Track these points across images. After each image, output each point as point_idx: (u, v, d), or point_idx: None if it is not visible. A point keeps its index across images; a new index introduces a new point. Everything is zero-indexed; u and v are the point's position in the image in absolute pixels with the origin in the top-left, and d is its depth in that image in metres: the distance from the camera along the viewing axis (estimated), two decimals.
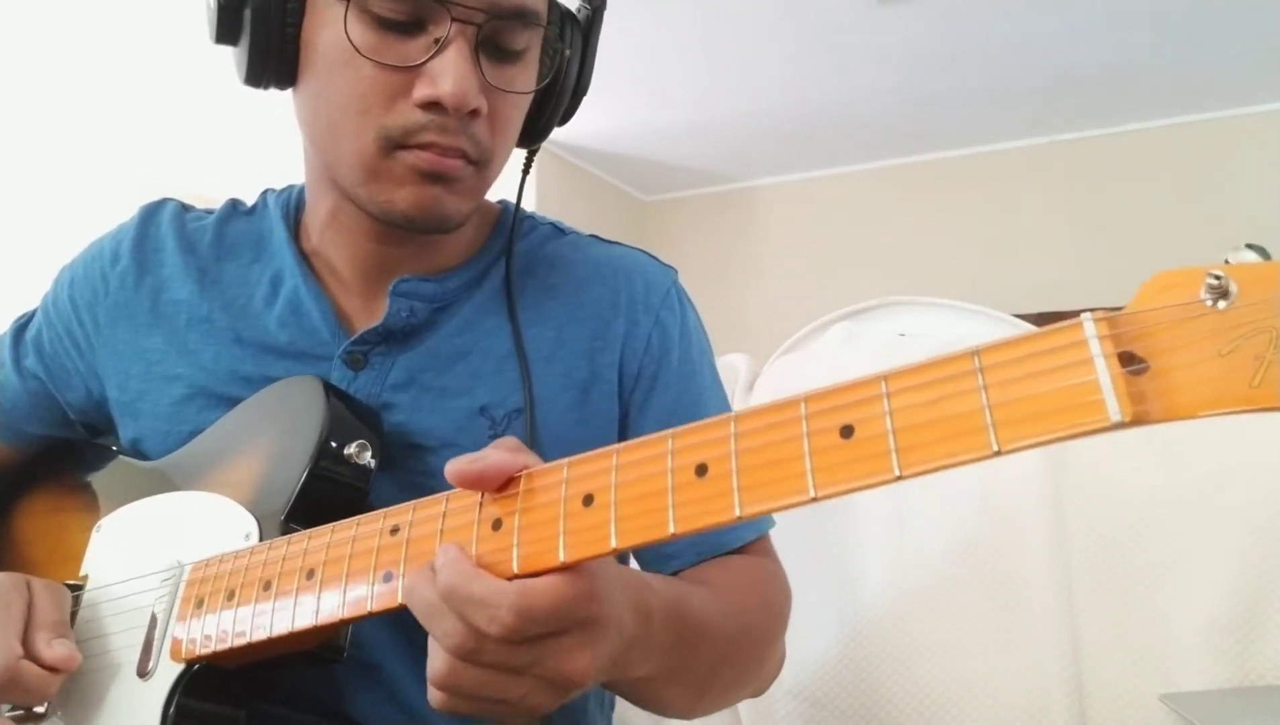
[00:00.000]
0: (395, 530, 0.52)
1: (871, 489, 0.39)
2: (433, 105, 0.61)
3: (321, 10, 0.63)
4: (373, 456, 0.64)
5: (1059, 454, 0.93)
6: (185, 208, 0.80)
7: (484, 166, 0.66)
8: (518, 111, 0.68)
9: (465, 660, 0.45)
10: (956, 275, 3.87)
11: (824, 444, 0.40)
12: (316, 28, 0.64)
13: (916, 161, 4.05)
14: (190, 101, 3.36)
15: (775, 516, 0.74)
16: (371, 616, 0.51)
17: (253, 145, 3.60)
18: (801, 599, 1.04)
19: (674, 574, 0.68)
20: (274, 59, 0.65)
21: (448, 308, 0.73)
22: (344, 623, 0.53)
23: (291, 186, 0.80)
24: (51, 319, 0.79)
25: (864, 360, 1.15)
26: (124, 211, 0.81)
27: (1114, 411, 0.34)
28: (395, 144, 0.63)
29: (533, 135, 0.73)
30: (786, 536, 0.78)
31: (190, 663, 0.58)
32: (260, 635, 0.55)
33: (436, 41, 0.61)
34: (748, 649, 0.66)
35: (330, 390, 0.66)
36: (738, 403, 1.16)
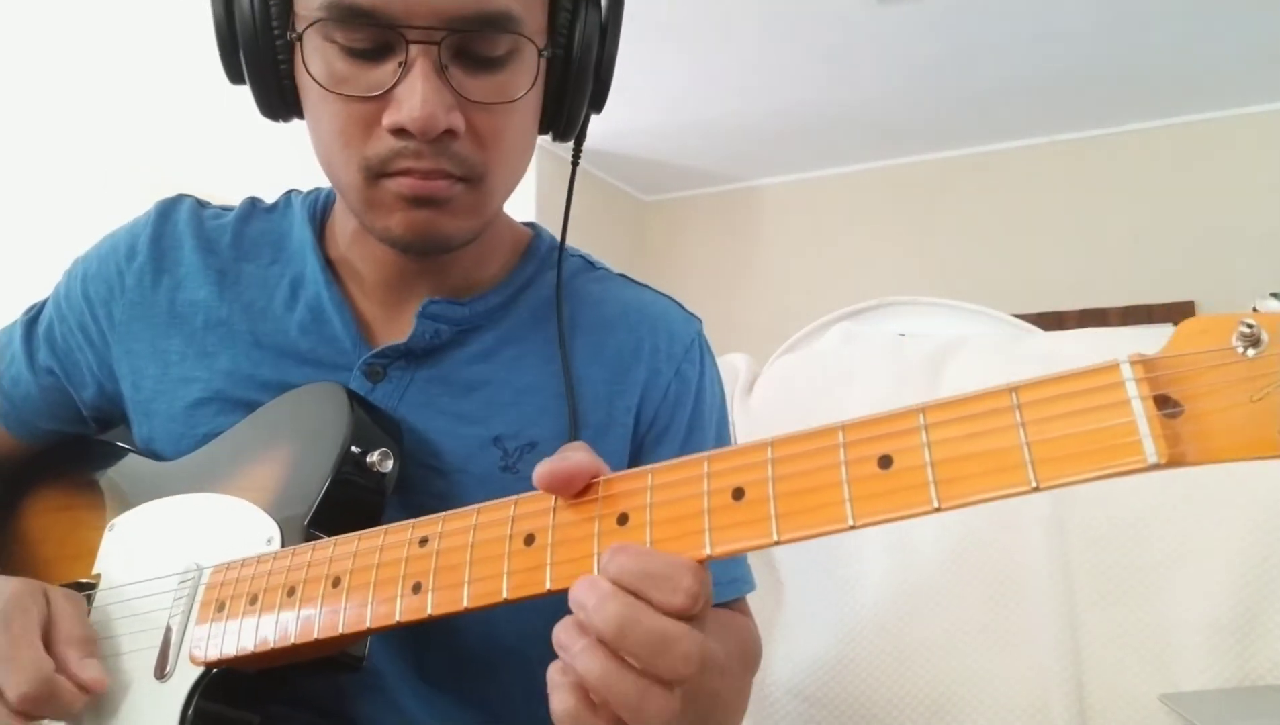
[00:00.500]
0: (424, 541, 0.52)
1: (910, 519, 0.39)
2: (401, 131, 0.59)
3: (305, 47, 0.62)
4: (394, 465, 0.64)
5: None
6: (202, 204, 0.79)
7: (477, 183, 0.64)
8: (511, 119, 0.64)
9: (615, 645, 0.42)
10: (956, 275, 3.86)
11: (862, 473, 0.41)
12: (302, 64, 0.63)
13: (916, 161, 4.05)
14: (191, 101, 3.36)
15: None
16: (399, 627, 0.51)
17: (253, 145, 3.60)
18: (802, 598, 1.04)
19: None
20: (275, 96, 0.66)
21: (473, 331, 0.72)
22: (370, 632, 0.52)
23: (319, 190, 0.79)
24: (64, 312, 0.78)
25: (864, 360, 1.15)
26: (122, 211, 0.80)
27: (1151, 453, 0.35)
28: (377, 173, 0.62)
29: (564, 129, 0.70)
30: None
31: (209, 666, 0.58)
32: (284, 641, 0.54)
33: (401, 65, 0.59)
34: (734, 703, 0.66)
35: (354, 397, 0.66)
36: (737, 403, 1.16)
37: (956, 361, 1.08)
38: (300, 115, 0.67)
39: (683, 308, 0.80)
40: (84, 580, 0.69)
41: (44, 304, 0.81)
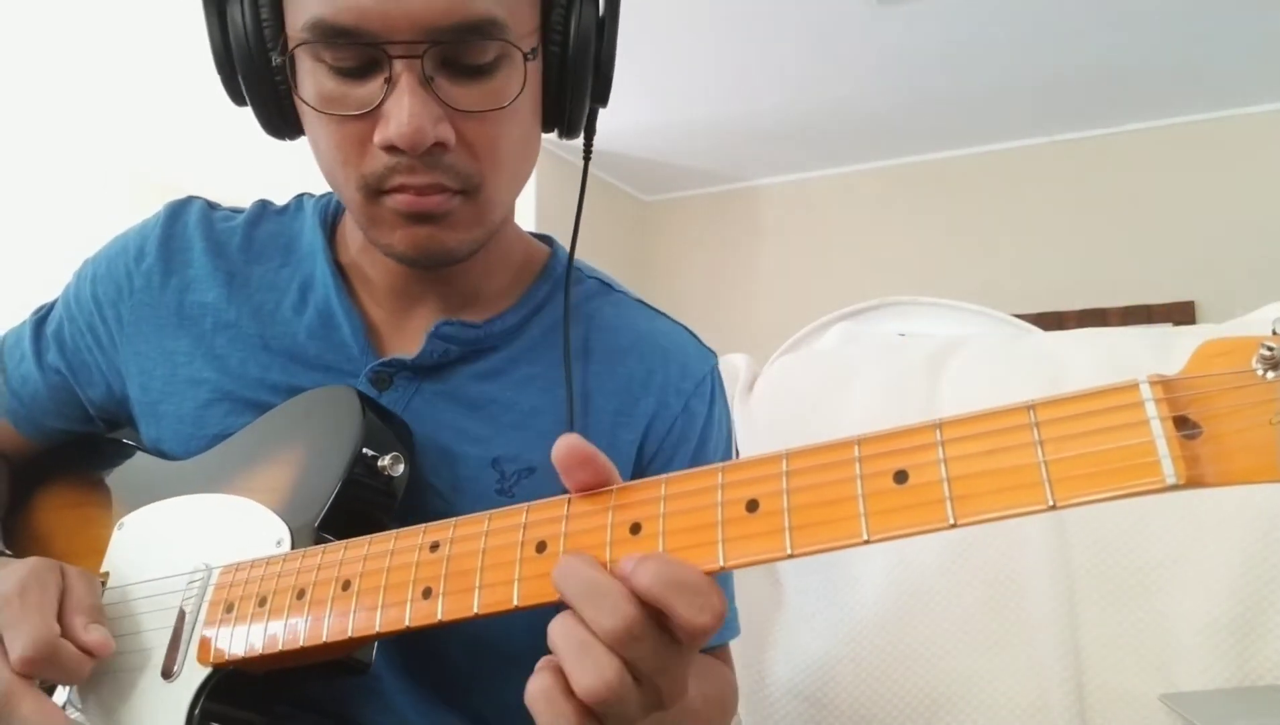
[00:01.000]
0: (435, 547, 0.51)
1: (925, 535, 0.39)
2: (392, 147, 0.59)
3: (298, 68, 0.62)
4: (405, 469, 0.64)
5: None
6: (212, 206, 0.79)
7: (474, 194, 0.63)
8: (505, 125, 0.63)
9: (624, 652, 0.43)
10: (956, 275, 3.86)
11: (877, 488, 0.41)
12: (295, 86, 0.63)
13: (916, 161, 4.05)
14: (193, 103, 3.36)
15: None
16: (408, 632, 0.51)
17: (257, 149, 3.60)
18: (801, 598, 1.04)
19: None
20: (277, 117, 0.66)
21: (482, 351, 0.72)
22: (380, 636, 0.52)
23: (331, 193, 0.79)
24: (73, 313, 0.78)
25: (864, 360, 1.15)
26: (121, 211, 0.80)
27: (1170, 474, 0.35)
28: (375, 190, 0.62)
29: (568, 125, 0.69)
30: None
31: (217, 667, 0.58)
32: (292, 644, 0.54)
33: (387, 81, 0.58)
34: None
35: (366, 401, 0.65)
36: (737, 403, 1.16)
37: (956, 361, 1.08)
38: (300, 135, 0.67)
39: (699, 341, 0.79)
40: None
41: (53, 304, 0.81)
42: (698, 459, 0.74)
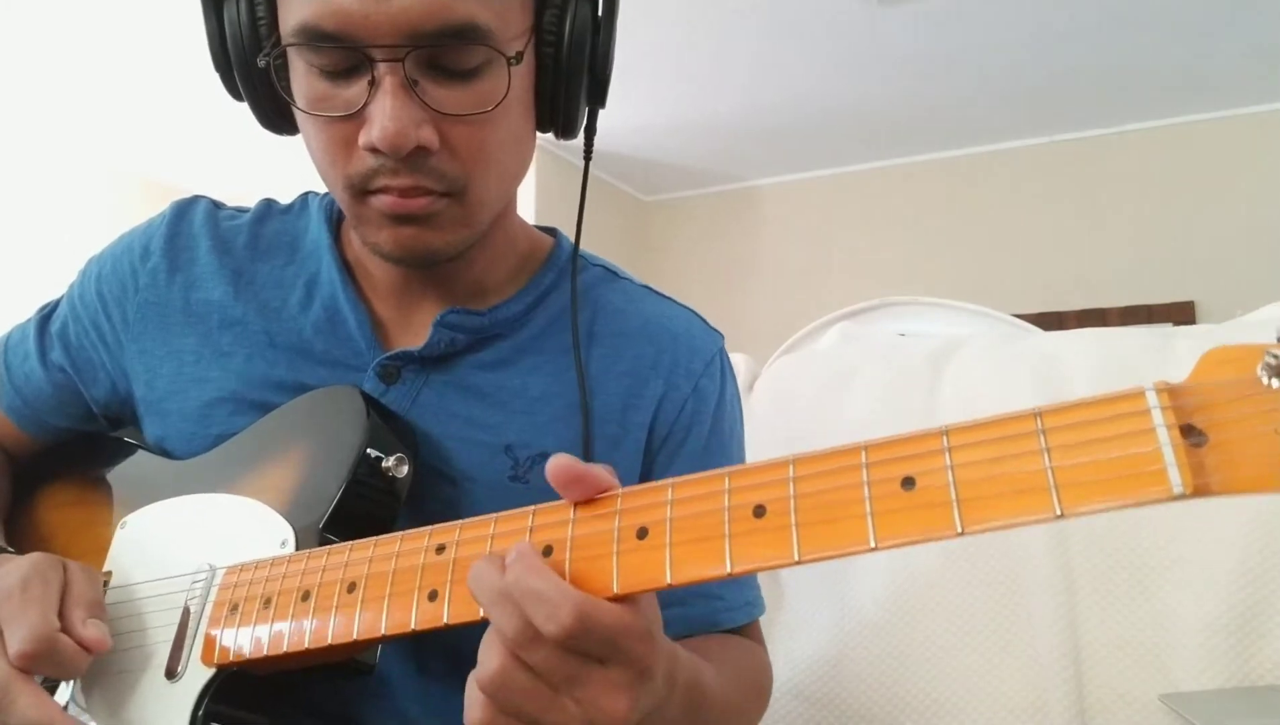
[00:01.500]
0: (441, 549, 0.51)
1: (932, 542, 0.39)
2: (375, 150, 0.59)
3: (290, 68, 0.63)
4: (409, 470, 0.64)
5: None
6: (217, 205, 0.80)
7: (460, 196, 0.63)
8: (491, 129, 0.62)
9: (516, 657, 0.45)
10: (956, 275, 3.86)
11: (885, 493, 0.40)
12: (286, 85, 0.63)
13: (916, 161, 4.05)
14: (195, 101, 3.36)
15: None
16: (414, 634, 0.51)
17: (256, 144, 3.60)
18: (802, 599, 1.04)
19: None
20: (273, 113, 0.67)
21: (489, 338, 0.72)
22: (385, 639, 0.52)
23: None
24: (78, 312, 0.78)
25: (864, 360, 1.15)
26: (120, 210, 0.80)
27: (1177, 484, 0.35)
28: (360, 191, 0.62)
29: (564, 127, 0.68)
30: None
31: (221, 668, 0.58)
32: (297, 646, 0.54)
33: (372, 84, 0.58)
34: None
35: (370, 401, 0.65)
36: None
37: (956, 361, 1.08)
38: (295, 132, 0.68)
39: (706, 323, 0.79)
40: None
41: (58, 302, 0.81)
42: (714, 439, 0.74)
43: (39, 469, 0.82)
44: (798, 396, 1.15)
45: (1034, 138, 3.82)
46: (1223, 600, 0.84)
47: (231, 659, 0.57)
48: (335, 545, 0.57)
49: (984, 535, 0.97)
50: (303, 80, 0.61)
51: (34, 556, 0.61)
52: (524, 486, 0.68)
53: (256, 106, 0.67)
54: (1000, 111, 3.61)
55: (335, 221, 0.77)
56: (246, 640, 0.57)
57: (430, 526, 0.53)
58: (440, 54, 0.58)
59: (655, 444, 0.72)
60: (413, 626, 0.50)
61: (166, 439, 0.73)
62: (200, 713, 0.57)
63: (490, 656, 0.45)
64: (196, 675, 0.59)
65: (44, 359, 0.79)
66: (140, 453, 0.76)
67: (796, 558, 0.41)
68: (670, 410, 0.72)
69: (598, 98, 0.69)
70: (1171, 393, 0.36)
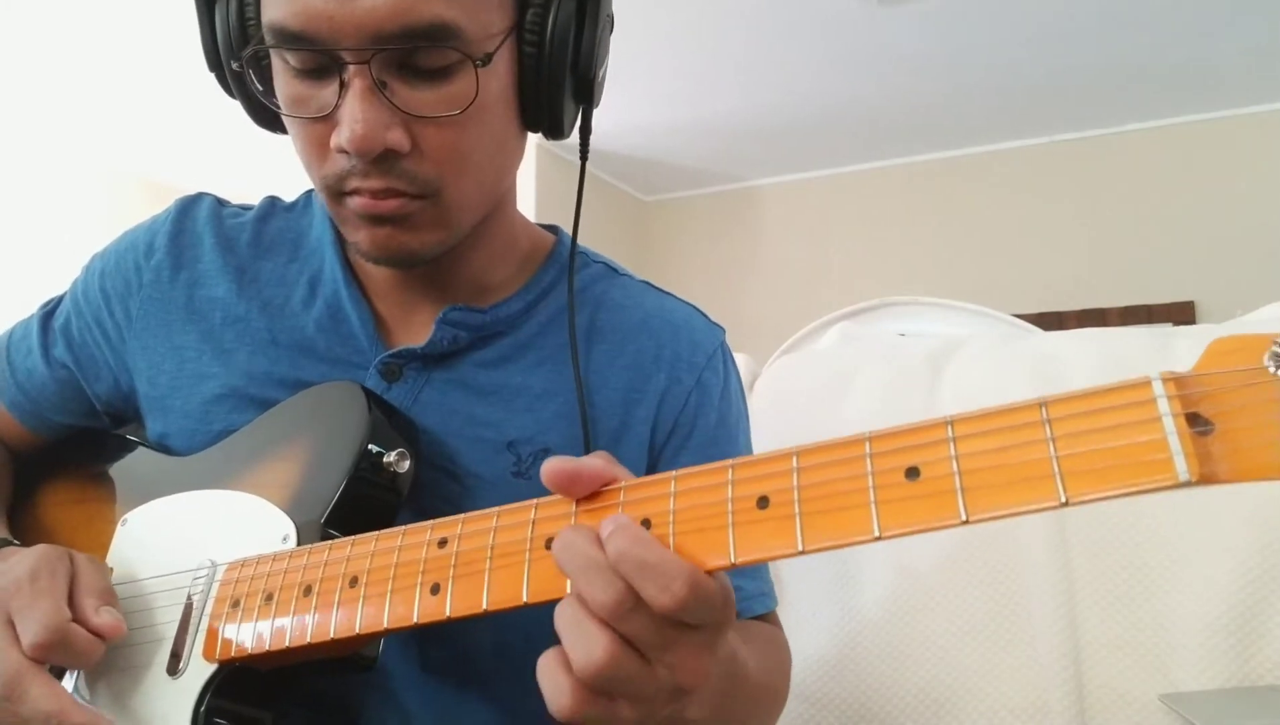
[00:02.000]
0: (443, 543, 0.51)
1: (936, 532, 0.39)
2: (345, 152, 0.59)
3: (272, 68, 0.63)
4: (410, 466, 0.64)
5: None
6: (221, 203, 0.80)
7: (435, 198, 0.62)
8: (468, 130, 0.61)
9: (616, 634, 0.43)
10: (956, 275, 3.86)
11: (889, 483, 0.40)
12: (265, 84, 0.64)
13: (916, 161, 4.05)
14: (191, 101, 3.36)
15: None
16: (415, 629, 0.51)
17: (253, 144, 3.60)
18: (802, 598, 1.04)
19: None
20: (263, 111, 0.66)
21: (491, 336, 0.72)
22: (387, 632, 0.52)
23: None
24: (81, 308, 0.78)
25: (864, 360, 1.15)
26: (117, 211, 0.80)
27: (1183, 471, 0.35)
28: (336, 191, 0.62)
29: (550, 127, 0.67)
30: None
31: (223, 663, 0.58)
32: (299, 640, 0.54)
33: (342, 85, 0.58)
34: (769, 709, 0.67)
35: (371, 397, 0.66)
36: None
37: (956, 361, 1.08)
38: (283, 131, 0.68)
39: (707, 317, 0.79)
40: None
41: (61, 298, 0.82)
42: (720, 432, 0.74)
43: (41, 466, 0.82)
44: (798, 396, 1.15)
45: (1034, 138, 3.82)
46: (1223, 600, 0.84)
47: (234, 654, 0.57)
48: (337, 540, 0.57)
49: (985, 536, 0.97)
50: (282, 80, 0.61)
51: (40, 548, 0.61)
52: (527, 482, 0.68)
53: (248, 105, 0.67)
54: (1000, 111, 3.61)
55: None
56: (248, 635, 0.57)
57: (432, 521, 0.53)
58: (410, 54, 0.58)
59: (660, 438, 0.72)
60: (415, 620, 0.50)
61: (168, 435, 0.73)
62: (203, 708, 0.58)
63: (586, 639, 0.43)
64: (199, 670, 0.59)
65: (47, 355, 0.79)
66: (141, 449, 0.76)
67: (800, 548, 0.41)
68: (674, 404, 0.72)
69: (585, 97, 0.68)
70: (1178, 382, 0.36)
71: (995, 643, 0.91)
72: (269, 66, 0.63)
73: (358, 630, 0.52)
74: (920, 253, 3.96)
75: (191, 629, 0.60)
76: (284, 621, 0.55)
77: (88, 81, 3.33)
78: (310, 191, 0.81)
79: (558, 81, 0.64)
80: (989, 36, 3.05)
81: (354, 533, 0.57)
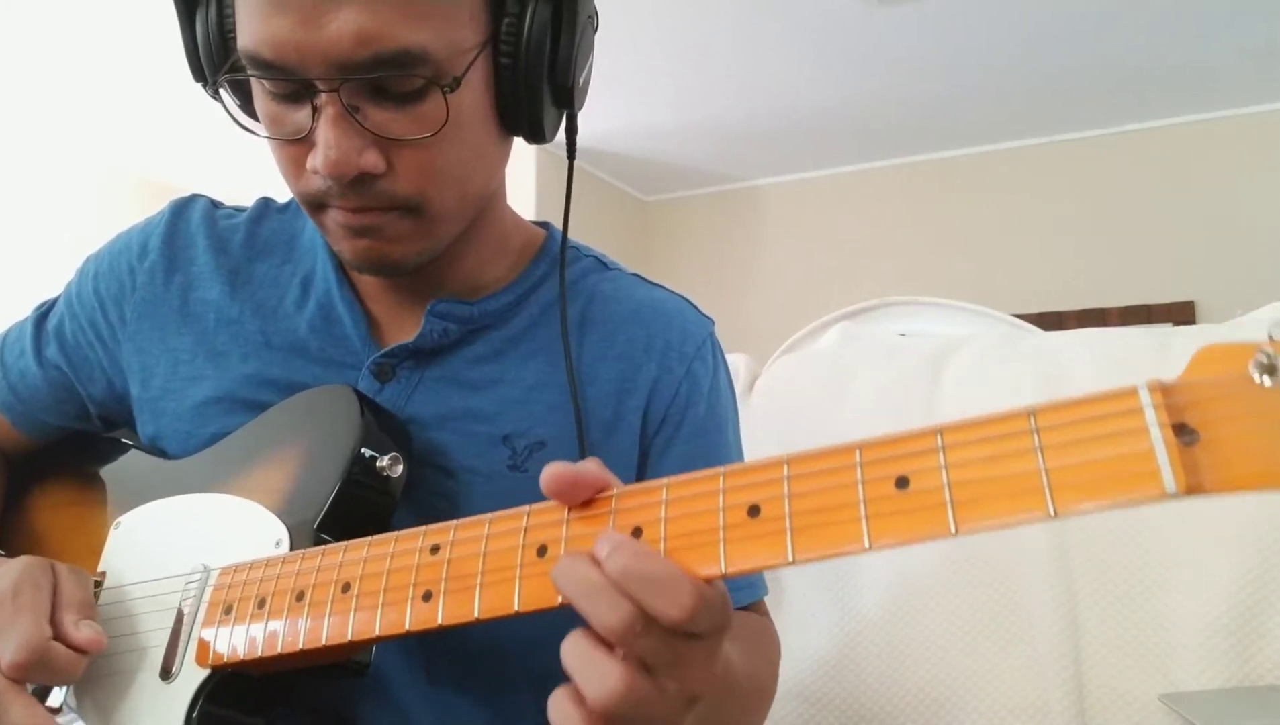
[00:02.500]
0: (436, 549, 0.51)
1: (926, 543, 0.39)
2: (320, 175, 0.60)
3: (252, 87, 0.63)
4: (403, 470, 0.64)
5: None
6: (215, 205, 0.80)
7: (417, 211, 0.62)
8: (444, 148, 0.61)
9: (630, 658, 0.42)
10: (956, 275, 3.86)
11: (879, 493, 0.40)
12: (241, 103, 0.65)
13: (916, 161, 4.05)
14: (187, 100, 3.36)
15: None
16: (407, 635, 0.51)
17: (248, 144, 3.60)
18: (802, 599, 1.04)
19: None
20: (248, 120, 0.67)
21: (481, 330, 0.72)
22: (379, 639, 0.52)
23: None
24: (75, 310, 0.78)
25: (864, 360, 1.15)
26: (113, 211, 0.80)
27: (1170, 484, 0.35)
28: (315, 205, 0.63)
29: (531, 132, 0.66)
30: None
31: (215, 668, 0.58)
32: (292, 646, 0.54)
33: (315, 110, 0.58)
34: (758, 707, 0.67)
35: (364, 400, 0.65)
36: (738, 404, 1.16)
37: (956, 361, 1.08)
38: None
39: (696, 308, 0.80)
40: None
41: (55, 301, 0.81)
42: (709, 421, 0.74)
43: (33, 468, 0.81)
44: (798, 396, 1.15)
45: (1034, 138, 3.82)
46: (1223, 600, 0.84)
47: (226, 660, 0.57)
48: (330, 545, 0.57)
49: (984, 536, 0.97)
50: (259, 100, 0.62)
51: (23, 560, 0.61)
52: (523, 475, 0.68)
53: (231, 117, 0.67)
54: (1000, 111, 3.61)
55: None
56: (241, 641, 0.57)
57: (424, 527, 0.53)
58: (380, 79, 0.58)
59: (651, 429, 0.72)
60: (407, 627, 0.50)
61: (161, 438, 0.73)
62: (195, 713, 0.57)
63: (600, 672, 0.42)
64: (191, 676, 0.58)
65: (40, 357, 0.79)
66: (134, 452, 0.76)
67: (790, 558, 0.41)
68: (665, 393, 0.73)
69: (565, 102, 0.67)
70: (1164, 391, 0.36)
71: (995, 643, 0.91)
72: (249, 82, 0.63)
73: (350, 637, 0.52)
74: (920, 253, 3.96)
75: (184, 634, 0.60)
76: (276, 627, 0.55)
77: (85, 81, 3.33)
78: None
79: (535, 90, 0.64)
80: (989, 37, 3.05)
81: (347, 537, 0.56)
